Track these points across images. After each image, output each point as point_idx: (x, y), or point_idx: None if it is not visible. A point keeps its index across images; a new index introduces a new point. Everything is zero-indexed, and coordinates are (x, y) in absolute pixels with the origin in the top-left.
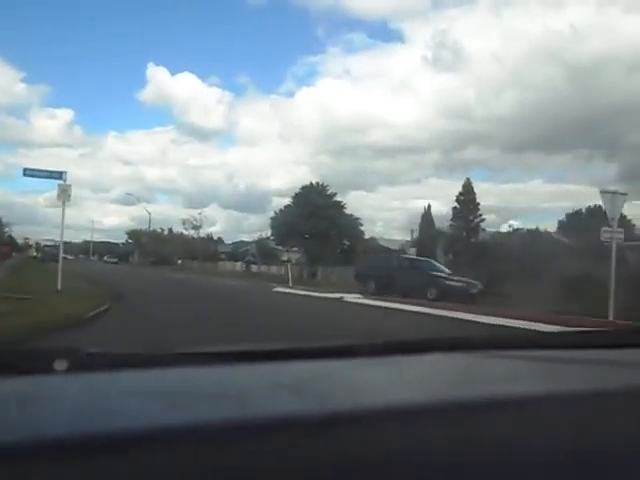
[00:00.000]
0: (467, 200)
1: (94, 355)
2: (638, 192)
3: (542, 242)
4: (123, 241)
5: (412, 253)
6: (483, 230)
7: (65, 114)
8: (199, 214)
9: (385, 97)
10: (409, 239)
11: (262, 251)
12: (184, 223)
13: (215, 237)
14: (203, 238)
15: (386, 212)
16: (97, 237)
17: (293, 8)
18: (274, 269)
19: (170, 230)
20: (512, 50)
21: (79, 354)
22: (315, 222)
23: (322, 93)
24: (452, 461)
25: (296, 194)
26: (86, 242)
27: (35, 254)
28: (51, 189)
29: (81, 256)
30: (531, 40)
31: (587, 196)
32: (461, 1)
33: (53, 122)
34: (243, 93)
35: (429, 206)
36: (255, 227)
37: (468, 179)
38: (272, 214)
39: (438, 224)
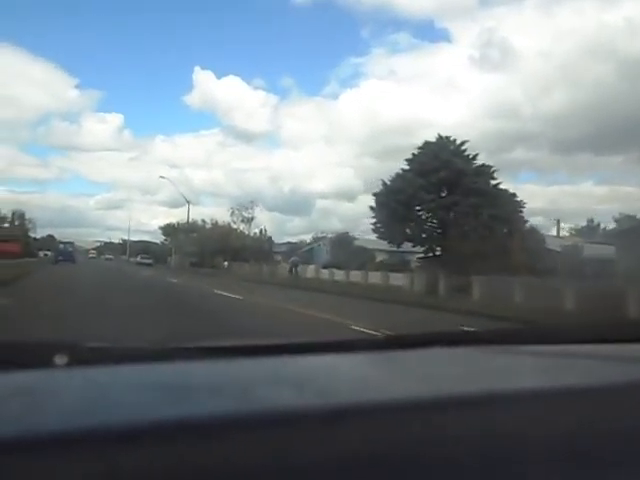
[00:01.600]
0: None
1: (95, 349)
2: None
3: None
4: (163, 239)
5: None
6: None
7: (115, 118)
8: (250, 202)
9: (430, 97)
10: None
11: (341, 250)
12: (232, 214)
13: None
14: (255, 234)
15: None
16: (143, 238)
17: (338, 9)
18: (357, 275)
19: (215, 224)
20: (562, 47)
21: (80, 348)
22: (453, 200)
23: (366, 94)
24: (454, 456)
25: (416, 155)
26: (124, 241)
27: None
28: (101, 192)
29: (123, 257)
30: (582, 36)
31: None
32: None
33: (104, 126)
34: (287, 95)
35: None
36: (299, 229)
37: None
38: (378, 190)
39: None
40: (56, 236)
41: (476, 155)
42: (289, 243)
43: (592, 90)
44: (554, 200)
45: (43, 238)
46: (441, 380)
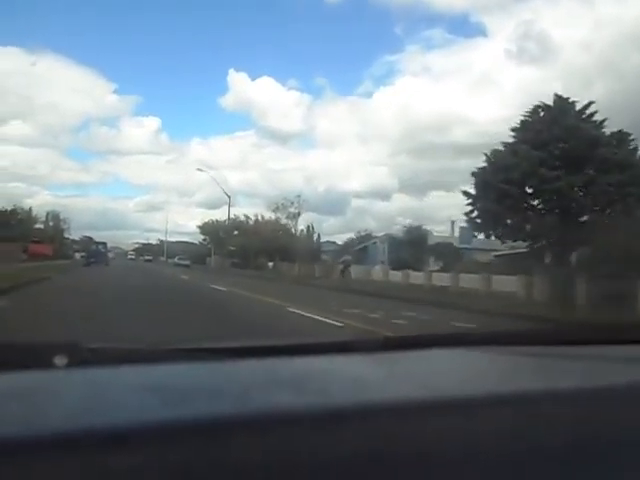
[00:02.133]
0: None
1: (94, 350)
2: None
3: None
4: (201, 239)
5: None
6: None
7: (153, 122)
8: (297, 197)
9: (466, 93)
10: None
11: (412, 247)
12: (276, 209)
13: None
14: (302, 231)
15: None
16: (181, 239)
17: (371, 7)
18: (443, 278)
19: (260, 219)
20: (603, 37)
21: (79, 349)
22: (588, 177)
23: (401, 92)
24: (452, 457)
25: (526, 122)
26: (162, 242)
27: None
28: (140, 194)
29: (161, 258)
30: (624, 25)
31: None
32: None
33: (142, 130)
34: (321, 95)
35: None
36: (334, 229)
37: None
38: (475, 169)
39: None
40: (96, 238)
41: (604, 120)
42: (328, 242)
43: (635, 81)
44: None
45: (82, 239)
46: (439, 381)
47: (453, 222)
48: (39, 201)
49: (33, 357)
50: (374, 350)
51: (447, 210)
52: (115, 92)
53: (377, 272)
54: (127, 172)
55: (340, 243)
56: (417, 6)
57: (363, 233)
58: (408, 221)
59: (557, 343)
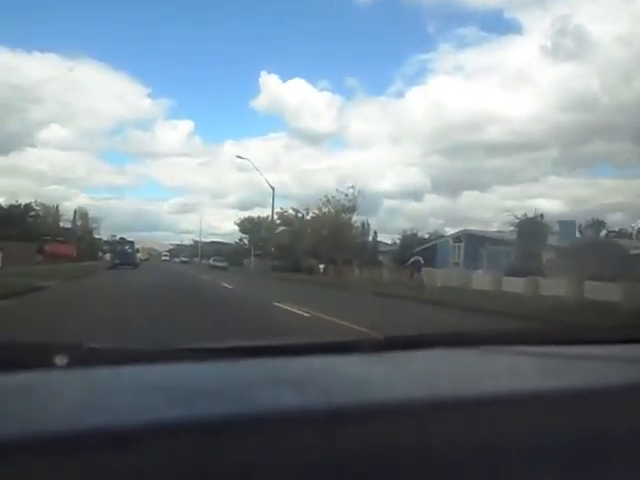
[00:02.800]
0: None
1: (95, 350)
2: None
3: None
4: (237, 239)
5: None
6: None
7: (186, 125)
8: (351, 188)
9: (500, 91)
10: None
11: (532, 244)
12: (326, 203)
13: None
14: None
15: (501, 212)
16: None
17: (402, 5)
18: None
19: (305, 213)
20: None
21: (80, 349)
22: None
23: (433, 91)
24: (453, 456)
25: None
26: (196, 242)
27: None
28: (174, 196)
29: (195, 259)
30: None
31: None
32: None
33: (175, 133)
34: (353, 96)
35: None
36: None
37: None
38: None
39: None
40: (131, 239)
41: None
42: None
43: None
44: (636, 195)
45: (114, 240)
46: (440, 381)
47: (541, 215)
48: (77, 203)
49: (34, 357)
50: (375, 350)
51: (480, 210)
52: (149, 96)
53: (480, 278)
54: (161, 174)
55: (389, 242)
56: (450, 4)
57: (409, 232)
58: (508, 214)
59: (558, 343)
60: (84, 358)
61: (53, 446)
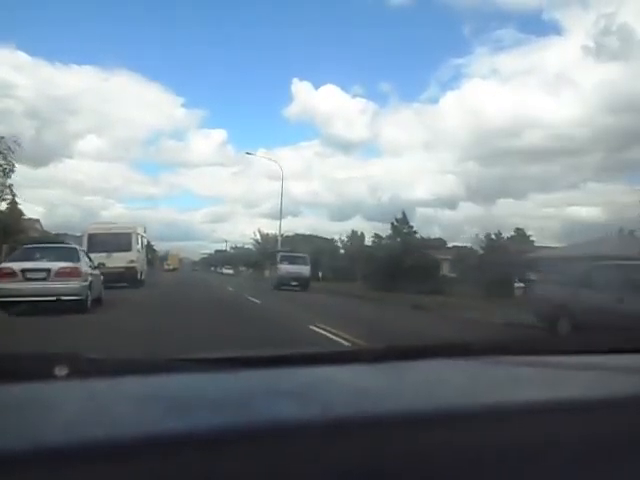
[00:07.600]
0: None
1: (94, 361)
2: None
3: None
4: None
5: None
6: None
7: (219, 135)
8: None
9: (539, 95)
10: None
11: None
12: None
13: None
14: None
15: (537, 220)
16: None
17: (437, 9)
18: None
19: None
20: None
21: (80, 360)
22: None
23: (468, 96)
24: (457, 467)
25: None
26: (218, 252)
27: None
28: (207, 206)
29: (225, 270)
30: None
31: None
32: None
33: (208, 143)
34: (386, 102)
35: None
36: None
37: None
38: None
39: None
40: (167, 249)
41: None
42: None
43: None
44: None
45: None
46: (442, 392)
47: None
48: (113, 213)
49: (33, 368)
50: (377, 360)
51: (515, 218)
52: (183, 106)
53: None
54: (194, 184)
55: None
56: (486, 6)
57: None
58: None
59: (560, 352)
60: (84, 369)
61: (52, 458)
